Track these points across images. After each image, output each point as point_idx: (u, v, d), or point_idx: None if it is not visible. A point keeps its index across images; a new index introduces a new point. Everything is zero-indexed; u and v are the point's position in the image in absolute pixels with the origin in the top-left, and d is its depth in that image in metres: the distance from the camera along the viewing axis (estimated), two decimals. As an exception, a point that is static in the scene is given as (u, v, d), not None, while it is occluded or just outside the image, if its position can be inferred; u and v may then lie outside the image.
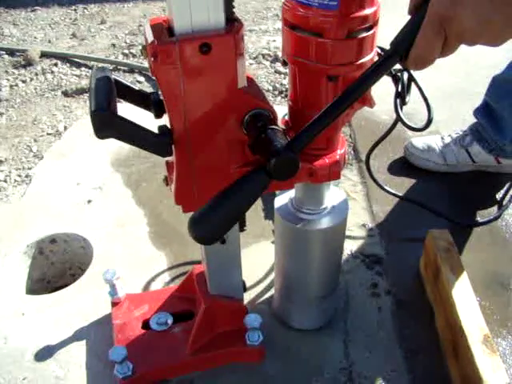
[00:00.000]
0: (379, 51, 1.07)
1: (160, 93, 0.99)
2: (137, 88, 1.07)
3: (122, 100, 1.06)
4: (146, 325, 1.42)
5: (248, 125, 0.97)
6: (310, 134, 0.89)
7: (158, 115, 1.04)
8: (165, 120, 1.02)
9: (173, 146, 0.99)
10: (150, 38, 0.90)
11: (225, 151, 1.02)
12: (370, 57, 1.01)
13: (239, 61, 0.93)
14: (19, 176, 2.19)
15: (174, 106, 0.94)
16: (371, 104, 1.07)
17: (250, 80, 1.01)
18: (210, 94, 0.94)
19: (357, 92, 0.88)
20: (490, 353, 1.22)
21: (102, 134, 0.89)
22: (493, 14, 0.74)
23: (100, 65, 3.09)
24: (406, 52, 0.83)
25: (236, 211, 0.89)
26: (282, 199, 1.30)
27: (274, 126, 0.94)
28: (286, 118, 1.15)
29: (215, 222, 0.87)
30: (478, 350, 1.23)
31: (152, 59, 0.89)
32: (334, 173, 1.12)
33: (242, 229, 1.22)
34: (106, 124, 0.89)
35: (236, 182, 0.87)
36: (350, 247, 1.74)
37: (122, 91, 1.03)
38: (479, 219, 1.86)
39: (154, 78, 0.95)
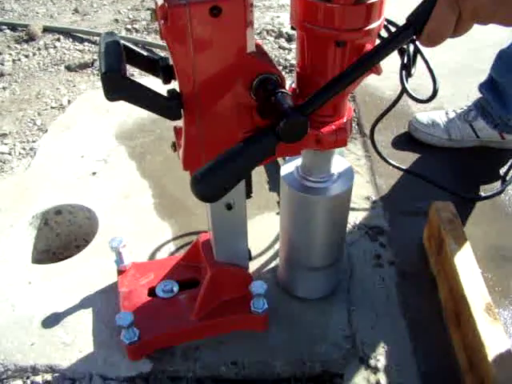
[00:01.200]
0: (385, 23, 1.08)
1: (169, 57, 0.99)
2: (145, 53, 1.07)
3: (130, 65, 1.06)
4: (151, 292, 1.43)
5: (257, 89, 0.98)
6: (321, 99, 0.90)
7: (166, 81, 1.04)
8: (173, 84, 1.03)
9: (182, 111, 1.00)
10: (160, 0, 0.90)
11: (233, 116, 1.02)
12: (378, 23, 1.01)
13: (248, 27, 0.93)
14: (24, 149, 2.20)
15: (183, 69, 0.94)
16: (378, 71, 1.07)
17: (258, 46, 1.02)
18: (219, 58, 0.94)
19: (370, 61, 0.89)
20: (492, 320, 1.24)
21: (113, 95, 0.90)
22: None
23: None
24: (421, 27, 0.85)
25: (241, 169, 0.89)
26: (288, 167, 1.31)
27: (283, 90, 0.94)
28: (293, 85, 1.16)
29: (218, 178, 0.87)
30: (480, 318, 1.24)
31: (162, 22, 0.90)
32: (340, 140, 1.12)
33: (248, 195, 1.23)
34: (118, 85, 0.89)
35: (244, 141, 0.88)
36: (353, 219, 1.75)
37: (131, 56, 1.03)
38: (482, 194, 1.87)
39: (163, 41, 0.95)
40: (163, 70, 1.03)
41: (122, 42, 1.01)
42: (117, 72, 0.88)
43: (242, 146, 0.87)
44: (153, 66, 1.06)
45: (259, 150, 0.89)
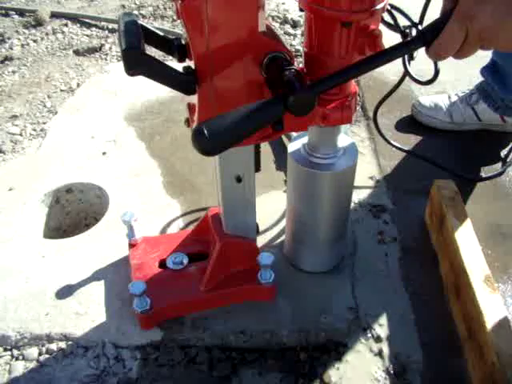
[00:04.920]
0: (389, 8, 1.13)
1: (183, 38, 1.04)
2: (161, 33, 1.12)
3: (146, 44, 1.11)
4: (162, 264, 1.49)
5: (268, 66, 1.02)
6: (331, 83, 0.96)
7: (181, 59, 1.09)
8: (188, 62, 1.08)
9: (196, 86, 1.04)
10: (177, -20, 0.95)
11: (244, 92, 1.07)
12: (382, 5, 1.05)
13: (260, 7, 0.98)
14: (34, 130, 2.24)
15: (198, 46, 0.98)
16: None
17: (268, 26, 1.07)
18: (232, 36, 0.99)
19: (380, 60, 0.96)
20: (491, 291, 1.29)
21: (133, 71, 0.95)
22: (507, 16, 0.85)
23: (110, 26, 3.13)
24: (431, 40, 0.94)
25: (246, 126, 0.90)
26: (295, 145, 1.35)
27: (294, 67, 0.99)
28: (301, 65, 1.21)
29: (220, 133, 0.86)
30: (479, 288, 1.29)
31: (179, 2, 0.95)
32: (345, 117, 1.17)
33: (257, 169, 1.28)
34: (137, 61, 0.94)
35: (253, 103, 0.91)
36: (358, 197, 1.81)
37: (148, 36, 1.08)
38: (483, 174, 1.92)
39: (180, 20, 1.00)
40: (178, 49, 1.08)
41: (139, 22, 1.06)
42: (136, 48, 0.93)
43: (250, 106, 0.90)
44: (168, 45, 1.11)
45: (266, 114, 0.92)
